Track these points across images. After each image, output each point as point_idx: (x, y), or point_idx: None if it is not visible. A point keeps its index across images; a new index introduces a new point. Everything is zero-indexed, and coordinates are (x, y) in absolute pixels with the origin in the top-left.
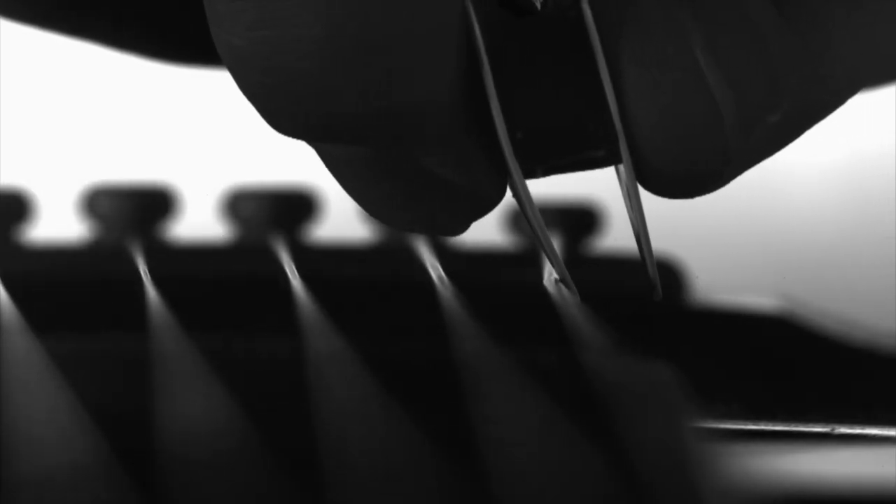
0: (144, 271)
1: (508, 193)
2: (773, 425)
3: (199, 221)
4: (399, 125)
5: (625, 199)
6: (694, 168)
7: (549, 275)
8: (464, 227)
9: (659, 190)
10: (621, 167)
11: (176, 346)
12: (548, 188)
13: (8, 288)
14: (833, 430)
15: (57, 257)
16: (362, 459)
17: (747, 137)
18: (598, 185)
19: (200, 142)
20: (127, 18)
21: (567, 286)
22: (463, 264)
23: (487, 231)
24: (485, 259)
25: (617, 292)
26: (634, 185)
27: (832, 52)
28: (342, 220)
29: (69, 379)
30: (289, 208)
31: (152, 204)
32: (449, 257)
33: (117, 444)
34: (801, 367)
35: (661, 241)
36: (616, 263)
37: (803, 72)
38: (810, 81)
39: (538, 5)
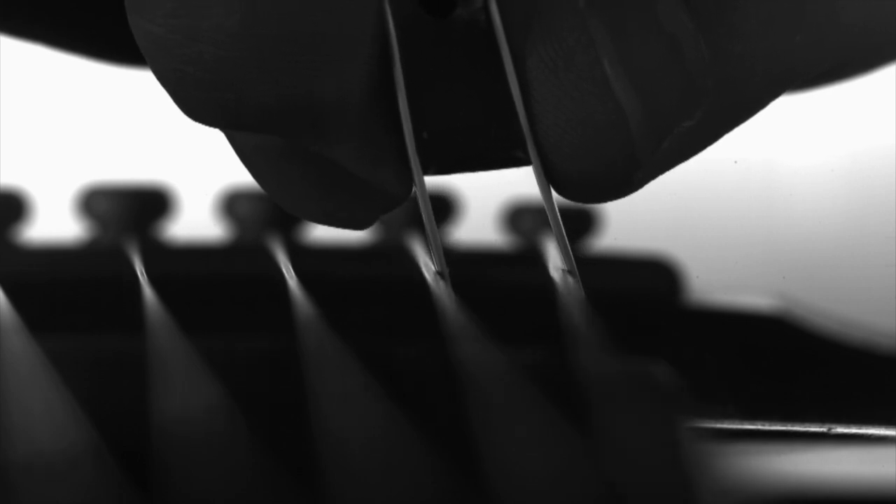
0: (141, 271)
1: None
2: (770, 425)
3: (195, 221)
4: (310, 116)
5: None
6: (601, 173)
7: (426, 272)
8: (371, 221)
9: (569, 193)
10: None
11: (172, 345)
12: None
13: (5, 288)
14: (830, 429)
15: (53, 257)
16: (359, 458)
17: (658, 143)
18: None
19: (196, 142)
20: (64, 20)
21: (448, 284)
22: (461, 264)
23: (486, 231)
24: (483, 259)
25: (614, 292)
26: (547, 189)
27: (748, 57)
28: None
29: (66, 378)
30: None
31: (148, 204)
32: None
33: (114, 443)
34: (798, 366)
35: (660, 241)
36: (613, 263)
37: (718, 77)
38: (726, 87)
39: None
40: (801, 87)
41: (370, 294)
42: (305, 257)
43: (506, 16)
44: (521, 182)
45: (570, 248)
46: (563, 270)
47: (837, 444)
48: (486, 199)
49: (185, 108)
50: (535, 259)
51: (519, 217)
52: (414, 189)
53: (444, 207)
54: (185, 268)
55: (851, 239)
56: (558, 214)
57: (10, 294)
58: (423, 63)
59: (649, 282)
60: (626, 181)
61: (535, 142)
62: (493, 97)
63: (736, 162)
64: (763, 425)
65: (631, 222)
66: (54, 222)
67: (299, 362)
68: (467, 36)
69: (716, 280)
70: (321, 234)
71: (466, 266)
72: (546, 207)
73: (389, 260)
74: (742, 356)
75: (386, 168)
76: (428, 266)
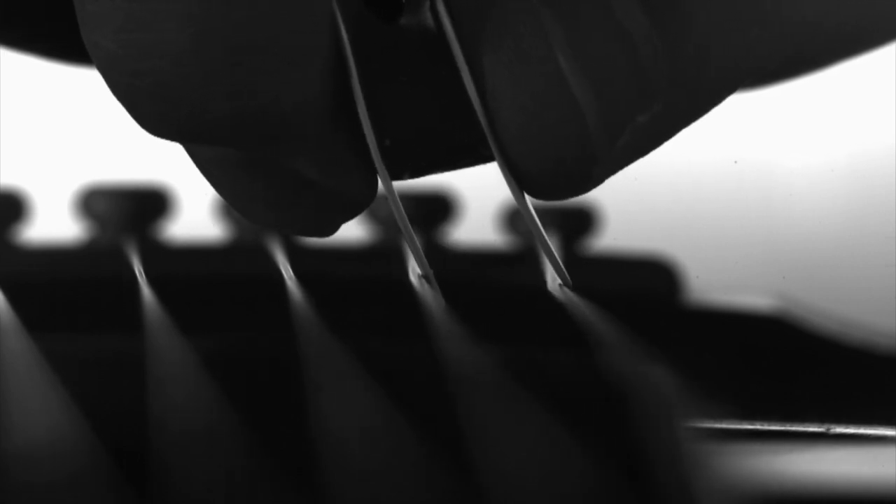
0: (140, 271)
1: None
2: (770, 425)
3: (194, 221)
4: (266, 127)
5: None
6: (560, 168)
7: (411, 272)
8: (334, 228)
9: (531, 190)
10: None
11: (171, 345)
12: None
13: (4, 288)
14: (829, 429)
15: (52, 257)
16: (357, 458)
17: (615, 139)
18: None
19: None
20: (13, 18)
21: (432, 285)
22: (460, 264)
23: (486, 231)
24: (482, 259)
25: (614, 292)
26: (518, 188)
27: (702, 52)
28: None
29: (64, 378)
30: None
31: (147, 204)
32: (442, 257)
33: (112, 443)
34: (797, 366)
35: (659, 241)
36: (612, 263)
37: (673, 72)
38: (681, 82)
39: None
40: (758, 83)
41: (369, 294)
42: (304, 257)
43: (457, 13)
44: None
45: (551, 246)
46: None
47: (836, 444)
48: (485, 200)
49: (141, 123)
50: (534, 259)
51: (518, 217)
52: (383, 194)
53: (443, 208)
54: (184, 268)
55: (851, 239)
56: (535, 214)
57: (9, 294)
58: (380, 68)
59: (649, 282)
60: (585, 177)
61: (495, 138)
62: (451, 96)
63: (736, 162)
64: (762, 425)
65: (631, 222)
66: (53, 222)
67: (298, 362)
68: (420, 37)
69: (715, 280)
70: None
71: (466, 266)
72: (519, 206)
73: (388, 260)
74: (741, 356)
75: (346, 175)
76: (414, 269)
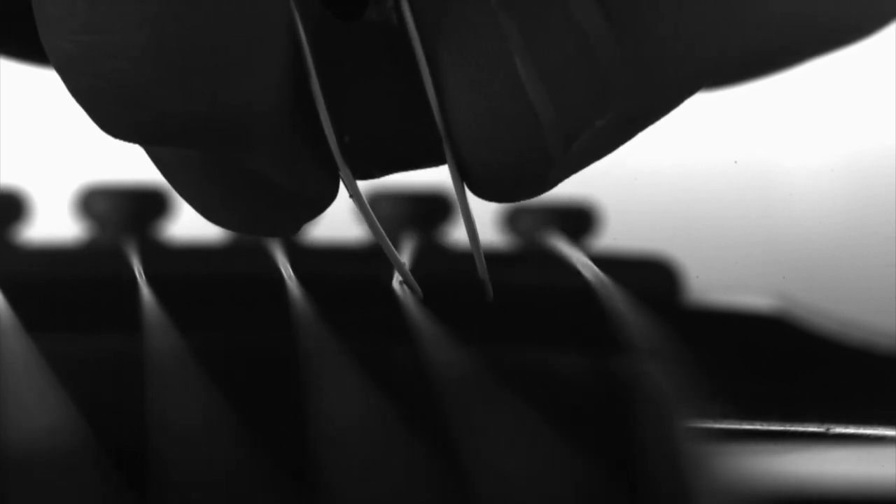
0: (139, 271)
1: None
2: (769, 425)
3: (194, 221)
4: (226, 128)
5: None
6: (514, 171)
7: (395, 277)
8: (296, 228)
9: (484, 192)
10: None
11: (170, 345)
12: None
13: (4, 288)
14: (828, 430)
15: (52, 257)
16: (356, 458)
17: (571, 141)
18: (595, 185)
19: None
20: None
21: (411, 287)
22: (456, 264)
23: (486, 231)
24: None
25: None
26: (461, 186)
27: (662, 56)
28: (337, 220)
29: (63, 378)
30: None
31: (147, 204)
32: (442, 257)
33: (111, 443)
34: (797, 366)
35: (659, 241)
36: (612, 263)
37: (632, 76)
38: (639, 85)
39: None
40: (720, 84)
41: (368, 294)
42: (304, 257)
43: (418, 14)
44: None
45: (481, 250)
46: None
47: (836, 444)
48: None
49: (101, 124)
50: (533, 259)
51: (518, 217)
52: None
53: (442, 208)
54: (184, 268)
55: (851, 239)
56: (472, 215)
57: (9, 294)
58: (339, 67)
59: (649, 282)
60: (540, 179)
61: (449, 139)
62: (409, 96)
63: (736, 162)
64: (762, 425)
65: (631, 222)
66: (53, 222)
67: (297, 362)
68: (380, 35)
69: (715, 280)
70: (320, 234)
71: (465, 266)
72: (460, 207)
73: (387, 260)
74: (741, 356)
75: (307, 174)
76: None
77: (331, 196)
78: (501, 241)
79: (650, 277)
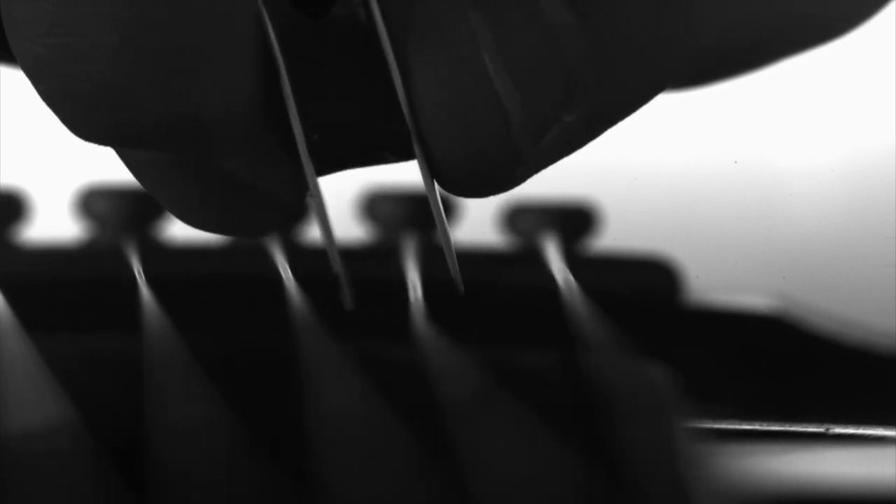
0: (139, 271)
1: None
2: (769, 425)
3: None
4: (197, 128)
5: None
6: (482, 167)
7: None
8: (267, 229)
9: (453, 188)
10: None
11: (169, 345)
12: (545, 189)
13: (3, 288)
14: (828, 430)
15: (52, 257)
16: (354, 458)
17: (538, 137)
18: (595, 185)
19: None
20: None
21: (346, 288)
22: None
23: (485, 231)
24: (482, 259)
25: (614, 292)
26: (431, 184)
27: (630, 53)
28: (337, 220)
29: (63, 378)
30: None
31: (147, 204)
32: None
33: (110, 443)
34: (796, 367)
35: (659, 241)
36: (612, 263)
37: (600, 73)
38: (608, 82)
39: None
40: (687, 84)
41: (367, 294)
42: (304, 257)
43: (387, 11)
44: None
45: (453, 248)
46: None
47: (835, 444)
48: (484, 200)
49: (72, 127)
50: (534, 259)
51: (518, 217)
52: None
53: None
54: (184, 268)
55: (851, 239)
56: (442, 210)
57: (8, 294)
58: (308, 65)
59: (649, 282)
60: (508, 176)
61: (418, 136)
62: (378, 92)
63: (736, 162)
64: (761, 425)
65: (631, 222)
66: (53, 222)
67: (296, 363)
68: (349, 33)
69: (715, 280)
70: (318, 234)
71: (464, 266)
72: (431, 204)
73: (388, 260)
74: (741, 356)
75: (277, 174)
76: (285, 266)
77: (301, 195)
78: (501, 241)
79: (650, 277)
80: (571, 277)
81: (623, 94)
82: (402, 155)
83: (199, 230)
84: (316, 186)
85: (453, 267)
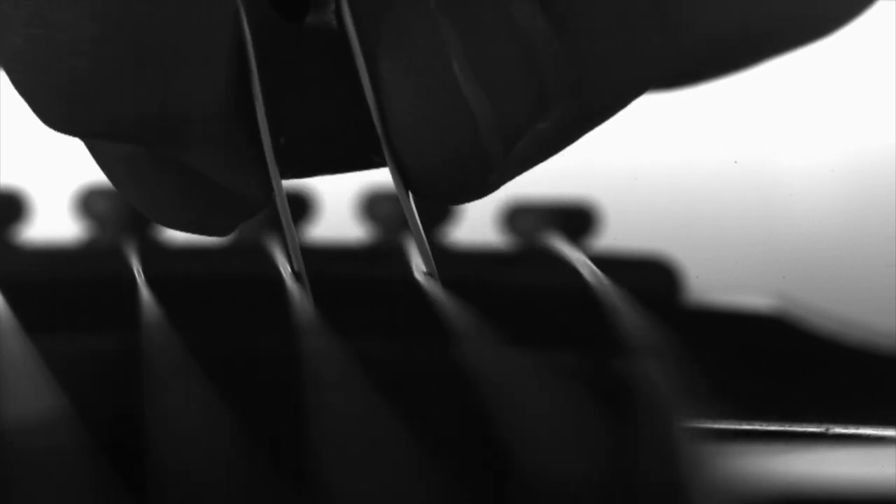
0: (139, 271)
1: None
2: (768, 425)
3: None
4: (170, 123)
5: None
6: (454, 173)
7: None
8: (232, 227)
9: (426, 194)
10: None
11: (169, 345)
12: (545, 189)
13: (3, 288)
14: (828, 430)
15: (52, 257)
16: (356, 458)
17: (510, 145)
18: (595, 185)
19: None
20: None
21: (307, 288)
22: (460, 264)
23: (485, 231)
24: (482, 259)
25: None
26: (402, 189)
27: (604, 58)
28: (337, 220)
29: (62, 378)
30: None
31: None
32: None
33: (109, 443)
34: (796, 367)
35: (659, 241)
36: (612, 263)
37: (573, 79)
38: (581, 88)
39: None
40: (663, 88)
41: (369, 294)
42: (304, 257)
43: (358, 18)
44: (519, 182)
45: (429, 249)
46: (424, 273)
47: (835, 444)
48: (484, 200)
49: (44, 119)
50: (533, 259)
51: (518, 217)
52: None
53: (444, 209)
54: (183, 268)
55: (851, 239)
56: (416, 216)
57: (8, 294)
58: (281, 68)
59: (648, 282)
60: (481, 182)
61: (389, 143)
62: (349, 99)
63: (736, 162)
64: (761, 425)
65: (631, 222)
66: (53, 222)
67: (297, 363)
68: (322, 39)
69: (715, 280)
70: (320, 234)
71: (465, 267)
72: (404, 209)
73: (388, 260)
74: (741, 356)
75: (245, 174)
76: (286, 266)
77: (268, 195)
78: (501, 240)
79: (650, 277)
80: (598, 270)
81: (599, 98)
82: (373, 163)
83: (165, 227)
84: (280, 188)
85: (430, 266)
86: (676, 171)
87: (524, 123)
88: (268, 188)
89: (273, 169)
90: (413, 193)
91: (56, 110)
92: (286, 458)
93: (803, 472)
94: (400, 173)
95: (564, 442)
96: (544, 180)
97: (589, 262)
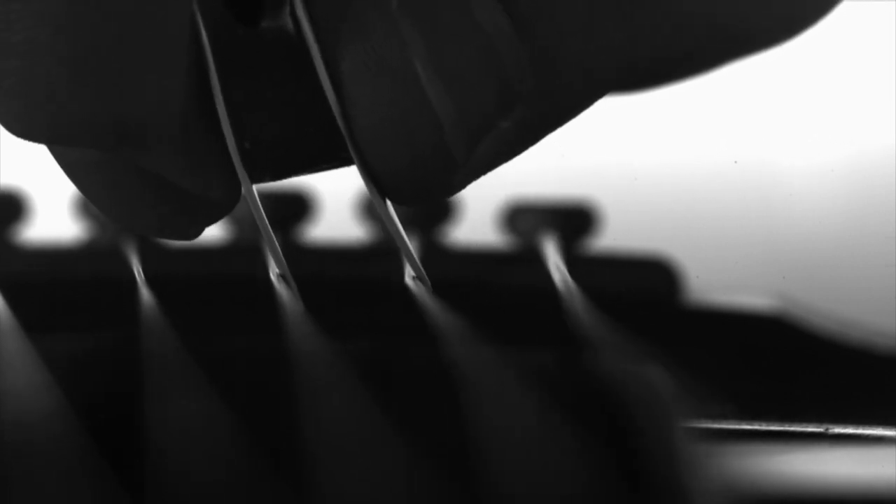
0: (138, 271)
1: None
2: (768, 425)
3: None
4: (128, 128)
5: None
6: (418, 174)
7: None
8: (197, 232)
9: (393, 196)
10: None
11: (169, 346)
12: (545, 189)
13: (3, 288)
14: (827, 430)
15: (52, 257)
16: (349, 458)
17: (474, 143)
18: (595, 185)
19: None
20: None
21: (288, 283)
22: (457, 264)
23: (485, 231)
24: (479, 259)
25: (614, 292)
26: (376, 194)
27: (568, 58)
28: (337, 220)
29: (61, 378)
30: (283, 209)
31: None
32: (442, 257)
33: (109, 443)
34: (796, 367)
35: (659, 241)
36: (612, 263)
37: (537, 78)
38: (545, 88)
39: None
40: (628, 89)
41: (364, 294)
42: (301, 258)
43: (317, 19)
44: (519, 182)
45: (412, 252)
46: (413, 277)
47: (835, 444)
48: (484, 200)
49: (4, 124)
50: (533, 259)
51: (518, 217)
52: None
53: (444, 209)
54: (183, 268)
55: (851, 239)
56: (396, 219)
57: (8, 294)
58: (241, 71)
59: (648, 282)
60: (445, 182)
61: (354, 145)
62: (312, 100)
63: (736, 162)
64: (761, 425)
65: (631, 222)
66: (53, 222)
67: (295, 363)
68: (280, 43)
69: (715, 280)
70: (318, 234)
71: (465, 267)
72: (381, 214)
73: (385, 260)
74: (741, 356)
75: (208, 178)
76: (273, 268)
77: (232, 200)
78: (501, 241)
79: (650, 277)
80: (569, 277)
81: (562, 98)
82: (336, 163)
83: (127, 230)
84: (251, 191)
85: (417, 268)
86: (676, 171)
87: (487, 123)
88: (232, 191)
89: (241, 172)
90: (380, 195)
91: (14, 115)
92: (284, 458)
93: (803, 472)
94: (370, 177)
95: (563, 442)
96: (544, 180)
97: (562, 266)
